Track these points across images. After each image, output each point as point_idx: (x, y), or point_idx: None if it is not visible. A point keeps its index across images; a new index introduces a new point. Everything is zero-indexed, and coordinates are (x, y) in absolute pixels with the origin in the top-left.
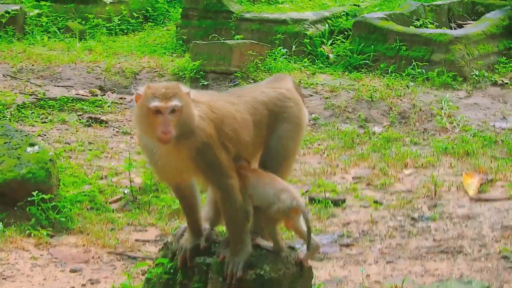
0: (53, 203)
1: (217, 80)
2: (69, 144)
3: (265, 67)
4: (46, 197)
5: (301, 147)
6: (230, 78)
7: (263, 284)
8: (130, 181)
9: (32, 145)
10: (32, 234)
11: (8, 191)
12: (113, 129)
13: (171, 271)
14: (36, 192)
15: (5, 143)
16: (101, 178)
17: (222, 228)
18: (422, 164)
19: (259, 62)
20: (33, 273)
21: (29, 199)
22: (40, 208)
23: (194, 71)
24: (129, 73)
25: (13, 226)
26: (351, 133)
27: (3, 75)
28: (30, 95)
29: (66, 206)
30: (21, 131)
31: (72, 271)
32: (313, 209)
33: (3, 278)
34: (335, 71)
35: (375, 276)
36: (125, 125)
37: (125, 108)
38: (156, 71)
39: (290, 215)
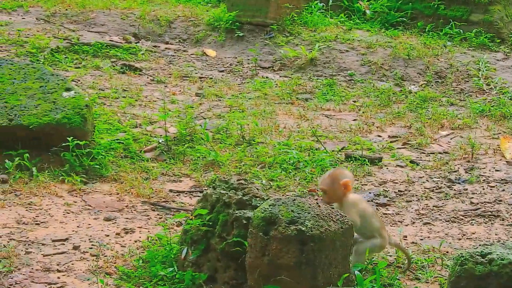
0: (88, 150)
1: (253, 32)
2: (103, 90)
3: (301, 21)
4: (81, 143)
5: (337, 103)
6: (266, 30)
7: (304, 240)
8: (165, 130)
9: (68, 89)
10: (66, 180)
11: (43, 136)
12: (147, 77)
13: (210, 223)
14: (71, 137)
15: (40, 86)
16: (135, 126)
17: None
18: (458, 125)
19: (295, 15)
20: (67, 219)
21: (63, 144)
22: (74, 154)
23: (230, 22)
24: (164, 21)
25: (46, 171)
26: (387, 91)
27: (36, 19)
28: (64, 39)
29: (100, 153)
30: (57, 75)
31: (106, 219)
32: (350, 167)
33: (36, 224)
34: (371, 27)
35: (412, 237)
36: (159, 74)
37: (159, 57)
38: (190, 21)
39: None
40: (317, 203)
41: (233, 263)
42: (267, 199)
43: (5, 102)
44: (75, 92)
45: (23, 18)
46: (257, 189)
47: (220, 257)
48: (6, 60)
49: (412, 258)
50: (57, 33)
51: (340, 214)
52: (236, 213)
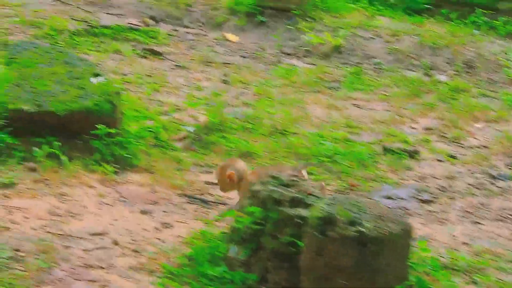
0: (118, 138)
1: (275, 17)
2: (125, 75)
3: (323, 6)
4: (111, 131)
5: (365, 92)
6: (288, 15)
7: (363, 242)
8: (195, 119)
9: (96, 75)
10: (97, 170)
11: (71, 123)
12: (170, 62)
13: (261, 221)
14: (102, 125)
15: (68, 71)
16: (163, 114)
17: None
18: (493, 118)
19: (318, 0)
20: (101, 211)
21: (93, 132)
22: (104, 142)
23: (251, 6)
24: (182, 4)
25: (75, 160)
26: (416, 81)
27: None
28: (82, 22)
29: (131, 142)
30: (84, 60)
31: (143, 212)
32: (388, 160)
33: (70, 215)
34: (395, 14)
35: (461, 237)
36: (181, 58)
37: (179, 41)
38: (210, 4)
39: None
40: (376, 203)
41: (285, 264)
42: (322, 198)
43: (31, 87)
44: (104, 78)
45: None
46: (311, 186)
47: (271, 257)
48: (31, 43)
49: (465, 258)
50: (74, 15)
51: (399, 215)
52: (289, 212)
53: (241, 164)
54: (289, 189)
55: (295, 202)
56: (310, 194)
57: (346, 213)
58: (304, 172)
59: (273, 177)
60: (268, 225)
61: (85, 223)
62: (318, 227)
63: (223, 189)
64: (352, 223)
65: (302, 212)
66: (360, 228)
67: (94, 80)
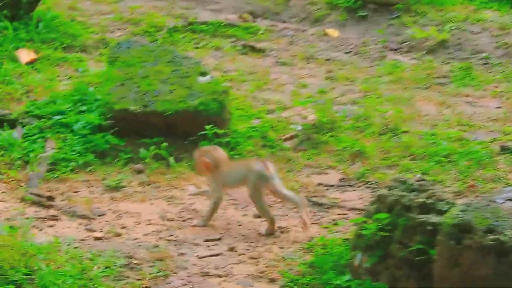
0: (226, 139)
1: (376, 11)
2: (226, 73)
3: (427, 0)
4: (219, 131)
5: (476, 88)
6: (389, 10)
7: (503, 251)
8: (303, 118)
9: (203, 74)
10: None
11: (178, 124)
12: (271, 59)
13: (389, 227)
14: (211, 125)
15: (173, 70)
16: (269, 112)
17: None
18: None
19: None
20: (214, 216)
21: (199, 133)
22: (212, 143)
23: (351, 0)
24: None
25: (183, 161)
26: None
27: None
28: (180, 18)
29: (239, 142)
30: (190, 58)
31: (256, 216)
32: (507, 160)
33: (182, 220)
34: (501, 7)
35: None
36: (282, 55)
37: (279, 37)
38: None
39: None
40: None
41: (415, 272)
42: (455, 204)
43: (137, 86)
44: (211, 77)
45: None
46: (443, 191)
47: (400, 265)
48: (134, 41)
49: None
50: (171, 11)
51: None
52: (420, 218)
53: (220, 153)
54: (419, 194)
55: (426, 208)
56: (442, 200)
57: (483, 220)
58: (270, 165)
59: (401, 182)
60: (396, 232)
61: (198, 228)
62: (453, 235)
63: (198, 172)
64: (490, 231)
65: (434, 218)
66: (499, 236)
67: (201, 79)
